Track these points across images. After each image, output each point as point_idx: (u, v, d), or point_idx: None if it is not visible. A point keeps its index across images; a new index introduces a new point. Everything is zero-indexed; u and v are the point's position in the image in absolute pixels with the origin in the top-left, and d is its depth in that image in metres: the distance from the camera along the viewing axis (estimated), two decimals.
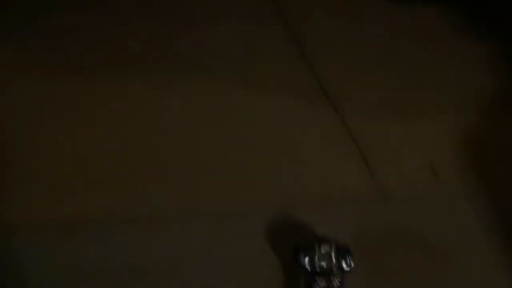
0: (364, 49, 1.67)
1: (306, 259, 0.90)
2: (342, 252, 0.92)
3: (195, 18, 1.70)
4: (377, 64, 1.63)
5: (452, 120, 1.49)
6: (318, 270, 0.90)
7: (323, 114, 1.47)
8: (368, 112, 1.49)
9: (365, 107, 1.50)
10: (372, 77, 1.58)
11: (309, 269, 0.90)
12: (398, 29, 1.74)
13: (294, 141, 1.41)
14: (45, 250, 1.09)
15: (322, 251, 0.91)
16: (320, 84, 1.54)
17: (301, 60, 1.61)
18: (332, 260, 0.91)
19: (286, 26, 1.71)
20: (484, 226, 1.21)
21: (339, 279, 0.92)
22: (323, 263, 0.90)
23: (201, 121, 1.42)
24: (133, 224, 1.16)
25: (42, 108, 1.40)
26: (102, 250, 1.12)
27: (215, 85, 1.49)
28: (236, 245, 1.14)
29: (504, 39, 1.67)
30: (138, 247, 1.13)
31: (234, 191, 1.27)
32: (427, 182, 1.35)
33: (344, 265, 0.92)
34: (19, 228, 1.13)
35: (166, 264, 1.11)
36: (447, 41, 1.71)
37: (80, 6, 1.66)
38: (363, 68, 1.60)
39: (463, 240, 1.20)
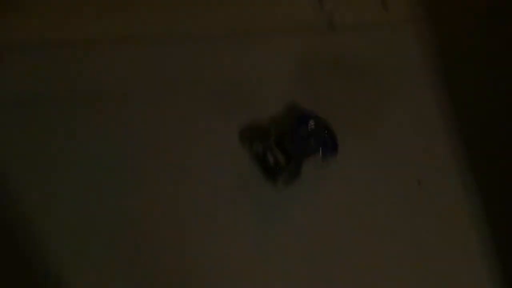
0: None
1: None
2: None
3: None
4: None
5: None
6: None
7: None
8: None
9: None
10: None
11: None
12: None
13: None
14: None
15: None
16: None
17: None
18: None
19: None
20: (428, 65, 1.24)
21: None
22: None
23: None
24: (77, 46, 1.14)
25: None
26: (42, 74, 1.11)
27: None
28: (182, 69, 1.15)
29: None
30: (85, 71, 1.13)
31: (181, 17, 1.23)
32: (376, 13, 1.33)
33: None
34: None
35: (112, 89, 1.12)
36: None
37: None
38: None
39: (401, 68, 1.23)
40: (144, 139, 1.08)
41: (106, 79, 1.14)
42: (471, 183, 1.09)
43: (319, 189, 1.07)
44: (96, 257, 0.97)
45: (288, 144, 1.02)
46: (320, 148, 1.04)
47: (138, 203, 1.01)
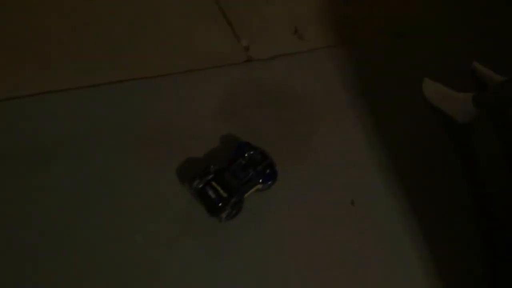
0: None
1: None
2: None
3: None
4: None
5: None
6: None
7: None
8: None
9: None
10: None
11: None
12: None
13: (158, 10, 1.35)
14: None
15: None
16: None
17: None
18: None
19: None
20: (346, 86, 1.32)
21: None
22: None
23: None
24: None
25: None
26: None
27: None
28: (107, 118, 1.12)
29: None
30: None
31: (103, 65, 1.20)
32: (291, 43, 1.39)
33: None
34: None
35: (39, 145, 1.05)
36: None
37: None
38: None
39: (323, 92, 1.30)
40: (79, 191, 1.02)
41: (31, 135, 1.07)
42: (401, 199, 1.16)
43: (262, 217, 1.07)
44: None
45: (228, 177, 1.02)
46: (260, 177, 1.05)
47: (77, 266, 0.95)
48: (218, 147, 1.14)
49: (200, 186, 1.01)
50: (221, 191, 1.00)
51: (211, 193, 1.00)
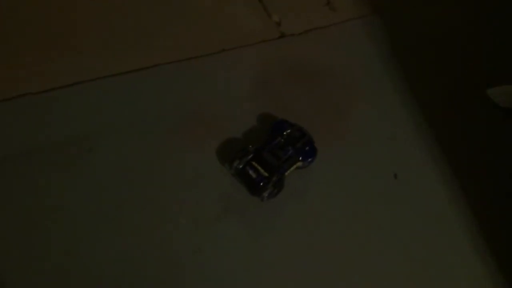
0: None
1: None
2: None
3: None
4: None
5: None
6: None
7: None
8: None
9: None
10: None
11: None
12: None
13: None
14: None
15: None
16: None
17: None
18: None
19: None
20: (382, 58, 1.28)
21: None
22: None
23: None
24: None
25: None
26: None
27: None
28: (144, 105, 1.13)
29: None
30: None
31: (138, 52, 1.21)
32: (324, 15, 1.36)
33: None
34: None
35: (78, 135, 1.07)
36: None
37: None
38: None
39: (359, 65, 1.27)
40: (122, 178, 1.04)
41: (68, 127, 1.09)
42: (446, 172, 1.13)
43: (304, 195, 1.07)
44: None
45: (268, 156, 1.02)
46: (300, 154, 1.04)
47: (125, 242, 0.97)
48: (255, 126, 1.14)
49: (241, 166, 1.01)
50: (262, 171, 1.00)
51: (251, 172, 1.00)
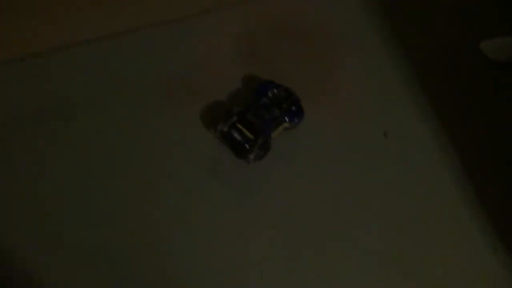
0: None
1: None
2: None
3: None
4: None
5: None
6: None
7: None
8: None
9: None
10: None
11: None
12: None
13: None
14: None
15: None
16: None
17: None
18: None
19: None
20: (371, 13, 1.23)
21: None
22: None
23: None
24: None
25: None
26: None
27: None
28: (124, 69, 1.09)
29: None
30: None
31: (112, 13, 1.16)
32: None
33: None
34: None
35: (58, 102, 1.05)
36: None
37: None
38: None
39: (347, 20, 1.22)
40: (103, 146, 1.01)
41: (45, 94, 1.06)
42: (438, 130, 1.10)
43: (291, 156, 1.05)
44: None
45: (252, 118, 0.99)
46: (286, 115, 1.01)
47: (107, 211, 0.95)
48: (240, 89, 1.10)
49: (225, 129, 0.98)
50: (247, 133, 0.97)
51: (236, 135, 0.97)
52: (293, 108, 1.03)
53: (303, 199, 1.00)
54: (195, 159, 1.01)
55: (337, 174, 1.04)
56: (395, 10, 1.26)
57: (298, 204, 1.00)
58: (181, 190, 0.98)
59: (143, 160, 1.00)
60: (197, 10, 1.20)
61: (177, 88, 1.09)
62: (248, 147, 0.97)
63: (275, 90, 1.03)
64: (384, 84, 1.16)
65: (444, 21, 1.27)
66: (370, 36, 1.21)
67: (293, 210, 0.99)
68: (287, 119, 1.02)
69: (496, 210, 1.02)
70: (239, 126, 0.98)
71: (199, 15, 1.19)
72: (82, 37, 1.12)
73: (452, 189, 1.04)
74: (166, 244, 0.94)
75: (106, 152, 1.01)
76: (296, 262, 0.95)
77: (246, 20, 1.20)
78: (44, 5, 1.14)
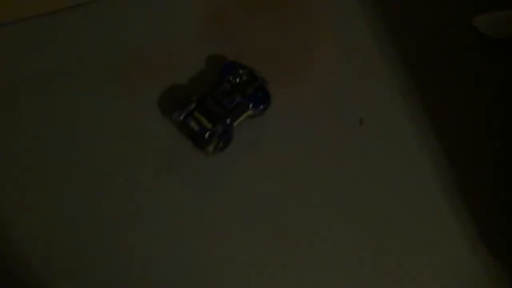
0: None
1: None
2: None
3: None
4: None
5: None
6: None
7: None
8: None
9: None
10: None
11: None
12: None
13: None
14: None
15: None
16: None
17: None
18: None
19: None
20: None
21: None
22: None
23: None
24: None
25: None
26: None
27: None
28: (73, 48, 1.00)
29: None
30: None
31: None
32: None
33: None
34: None
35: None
36: None
37: None
38: None
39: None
40: (51, 133, 0.93)
41: None
42: (416, 116, 1.01)
43: (255, 146, 0.96)
44: None
45: (211, 105, 0.90)
46: (250, 101, 0.92)
47: (56, 203, 0.88)
48: (205, 71, 1.01)
49: (181, 118, 0.89)
50: (205, 122, 0.89)
51: (193, 124, 0.89)
52: (258, 94, 0.94)
53: (269, 195, 0.92)
54: (151, 150, 0.93)
55: (306, 167, 0.95)
56: None
57: (263, 200, 0.91)
58: (134, 184, 0.90)
59: (92, 150, 0.92)
60: None
61: (134, 69, 0.99)
62: (205, 137, 0.88)
63: (240, 72, 0.94)
64: (362, 65, 1.05)
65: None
66: (354, 14, 1.09)
67: (257, 206, 0.91)
68: (251, 106, 0.93)
69: (477, 202, 0.93)
70: (196, 114, 0.89)
71: None
72: (23, 14, 1.02)
73: (431, 181, 0.96)
74: (115, 240, 0.86)
75: (51, 140, 0.92)
76: (262, 261, 0.87)
77: None
78: None
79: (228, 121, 0.90)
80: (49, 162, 0.91)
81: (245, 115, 0.93)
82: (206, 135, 0.88)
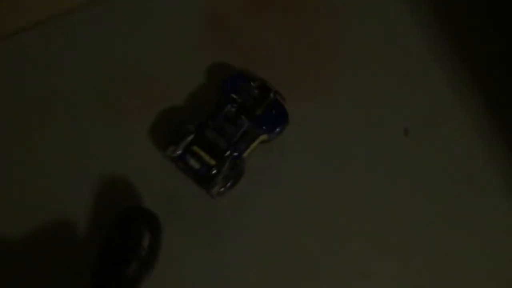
0: None
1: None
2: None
3: None
4: None
5: None
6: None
7: None
8: None
9: None
10: None
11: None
12: None
13: None
14: None
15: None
16: None
17: None
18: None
19: None
20: None
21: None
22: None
23: None
24: None
25: None
26: None
27: None
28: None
29: None
30: None
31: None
32: None
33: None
34: None
35: None
36: None
37: None
38: None
39: None
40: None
41: None
42: (467, 127, 0.80)
43: (273, 181, 0.77)
44: None
45: (213, 135, 0.72)
46: (263, 123, 0.73)
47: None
48: (206, 86, 0.82)
49: (176, 154, 0.72)
50: (207, 158, 0.71)
51: (193, 162, 0.71)
52: (273, 112, 0.75)
53: (294, 240, 0.74)
54: (146, 192, 0.76)
55: (340, 200, 0.76)
56: None
57: (286, 248, 0.73)
58: None
59: (77, 195, 0.76)
60: None
61: (121, 92, 0.82)
62: (208, 176, 0.70)
63: (247, 87, 0.75)
64: (404, 65, 0.84)
65: None
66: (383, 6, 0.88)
67: (279, 255, 0.73)
68: (264, 129, 0.74)
69: None
70: (195, 149, 0.71)
71: None
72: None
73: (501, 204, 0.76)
74: None
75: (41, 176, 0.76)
76: None
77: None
78: None
79: (236, 154, 0.72)
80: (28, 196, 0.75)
81: (257, 141, 0.74)
82: (209, 175, 0.70)
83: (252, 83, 0.75)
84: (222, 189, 0.72)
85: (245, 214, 0.75)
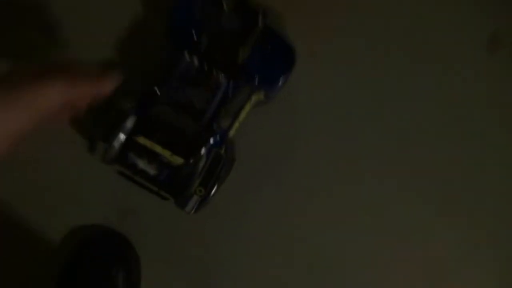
0: None
1: None
2: None
3: None
4: None
5: None
6: None
7: None
8: None
9: None
10: None
11: None
12: None
13: None
14: None
15: None
16: None
17: None
18: None
19: None
20: None
21: None
22: None
23: None
24: None
25: None
26: None
27: None
28: None
29: None
30: None
31: None
32: None
33: None
34: None
35: None
36: None
37: None
38: None
39: None
40: None
41: None
42: None
43: (278, 166, 0.47)
44: None
45: (169, 114, 0.41)
46: (252, 75, 0.42)
47: None
48: (141, 26, 0.48)
49: (113, 154, 0.40)
50: (166, 153, 0.40)
51: (140, 163, 0.40)
52: (268, 49, 0.43)
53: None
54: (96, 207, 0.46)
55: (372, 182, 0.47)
56: None
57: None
58: None
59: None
60: None
61: None
62: (175, 186, 0.40)
63: (214, 16, 0.42)
64: None
65: None
66: None
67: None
68: (257, 81, 0.42)
69: None
70: (142, 140, 0.40)
71: None
72: None
73: None
74: None
75: None
76: None
77: None
78: None
79: (216, 137, 0.41)
80: None
81: (247, 107, 0.43)
82: (175, 182, 0.39)
83: (224, 4, 0.42)
84: (198, 204, 0.41)
85: (239, 220, 0.46)
